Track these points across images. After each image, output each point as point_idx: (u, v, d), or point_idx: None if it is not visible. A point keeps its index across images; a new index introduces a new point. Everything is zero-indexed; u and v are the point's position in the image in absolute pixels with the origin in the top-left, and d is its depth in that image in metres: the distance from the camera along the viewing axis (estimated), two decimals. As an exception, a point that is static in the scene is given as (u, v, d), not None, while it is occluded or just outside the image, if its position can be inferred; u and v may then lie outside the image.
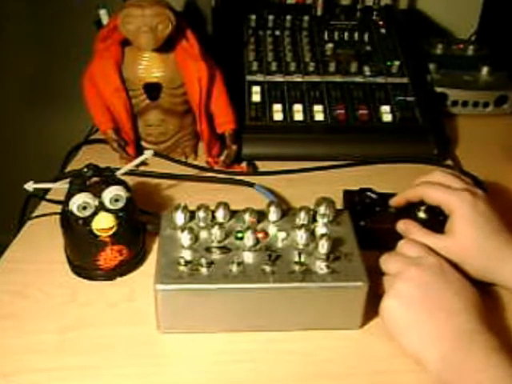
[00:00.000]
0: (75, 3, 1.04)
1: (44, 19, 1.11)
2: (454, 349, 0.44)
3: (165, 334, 0.50)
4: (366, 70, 0.82)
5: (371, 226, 0.58)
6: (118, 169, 0.59)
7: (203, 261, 0.48)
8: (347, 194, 0.63)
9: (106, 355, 0.48)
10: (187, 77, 0.68)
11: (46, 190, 0.68)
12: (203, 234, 0.52)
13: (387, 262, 0.51)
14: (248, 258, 0.50)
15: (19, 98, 1.23)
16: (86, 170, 0.55)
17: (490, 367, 0.42)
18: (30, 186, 0.55)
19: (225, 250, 0.50)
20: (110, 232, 0.53)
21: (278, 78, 0.81)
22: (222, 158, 0.73)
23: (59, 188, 0.57)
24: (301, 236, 0.50)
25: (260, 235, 0.51)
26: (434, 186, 0.55)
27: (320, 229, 0.53)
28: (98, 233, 0.52)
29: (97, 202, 0.53)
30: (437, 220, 0.55)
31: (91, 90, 0.69)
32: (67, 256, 0.57)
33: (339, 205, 0.60)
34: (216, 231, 0.51)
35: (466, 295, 0.47)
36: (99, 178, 0.55)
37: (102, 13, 0.72)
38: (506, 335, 0.49)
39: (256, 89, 0.79)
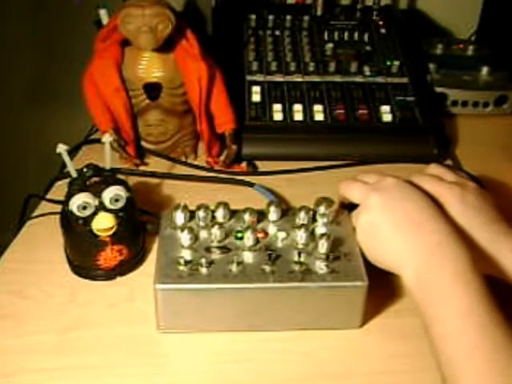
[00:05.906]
0: (75, 3, 1.04)
1: (44, 19, 1.11)
2: (427, 266, 0.44)
3: (165, 334, 0.50)
4: (366, 69, 0.82)
5: None
6: (118, 169, 0.59)
7: (203, 260, 0.48)
8: None
9: (106, 355, 0.48)
10: (187, 77, 0.68)
11: (46, 190, 0.68)
12: (203, 234, 0.52)
13: (348, 190, 0.52)
14: (248, 257, 0.50)
15: (19, 97, 1.23)
16: (85, 169, 0.55)
17: (457, 289, 0.42)
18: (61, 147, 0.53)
19: (225, 249, 0.50)
20: (110, 232, 0.53)
21: (278, 78, 0.81)
22: (222, 158, 0.73)
23: (59, 188, 0.57)
24: (301, 236, 0.50)
25: (260, 235, 0.51)
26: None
27: (320, 229, 0.53)
28: (98, 233, 0.52)
29: (97, 202, 0.52)
30: None
31: (91, 90, 0.69)
32: (67, 256, 0.57)
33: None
34: (216, 231, 0.51)
35: (428, 206, 0.48)
36: (99, 178, 0.55)
37: (102, 13, 0.72)
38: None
39: (256, 89, 0.79)
